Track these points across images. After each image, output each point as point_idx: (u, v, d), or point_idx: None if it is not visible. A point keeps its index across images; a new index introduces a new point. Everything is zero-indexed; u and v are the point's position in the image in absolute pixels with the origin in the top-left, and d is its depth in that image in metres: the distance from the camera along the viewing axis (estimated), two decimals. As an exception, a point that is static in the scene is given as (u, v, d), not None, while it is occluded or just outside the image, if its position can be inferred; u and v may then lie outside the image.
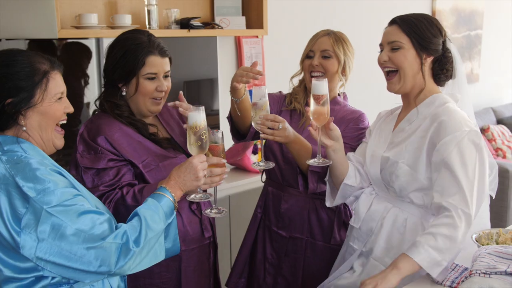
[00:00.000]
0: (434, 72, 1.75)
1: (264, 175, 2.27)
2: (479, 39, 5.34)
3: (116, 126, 1.73)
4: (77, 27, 2.49)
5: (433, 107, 1.71)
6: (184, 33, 2.84)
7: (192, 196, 1.60)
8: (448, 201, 1.56)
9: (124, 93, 1.77)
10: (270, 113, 1.79)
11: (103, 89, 1.84)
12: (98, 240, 1.30)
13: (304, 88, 2.13)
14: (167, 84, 1.78)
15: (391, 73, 1.75)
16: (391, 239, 1.73)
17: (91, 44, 2.65)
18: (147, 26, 2.73)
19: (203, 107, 1.55)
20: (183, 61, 3.03)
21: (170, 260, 1.74)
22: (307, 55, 2.08)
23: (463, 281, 1.55)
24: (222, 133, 1.62)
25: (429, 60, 1.73)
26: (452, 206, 1.54)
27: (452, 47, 1.75)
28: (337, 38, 2.05)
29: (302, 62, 2.11)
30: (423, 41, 1.71)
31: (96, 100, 1.83)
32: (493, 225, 1.89)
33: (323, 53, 2.03)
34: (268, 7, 3.18)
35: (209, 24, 2.98)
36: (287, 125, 1.81)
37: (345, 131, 1.99)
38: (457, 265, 1.67)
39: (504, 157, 4.84)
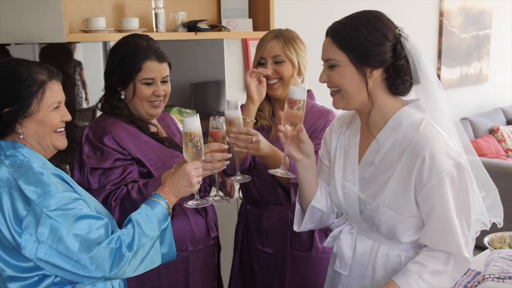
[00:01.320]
0: (388, 84, 1.45)
1: (241, 193, 2.18)
2: (488, 39, 5.31)
3: (121, 127, 1.75)
4: (85, 31, 2.50)
5: (401, 131, 1.44)
6: (191, 35, 2.85)
7: (190, 202, 1.62)
8: (440, 249, 1.41)
9: (122, 97, 1.79)
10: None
11: (103, 92, 1.85)
12: (94, 245, 1.33)
13: (267, 99, 1.98)
14: (165, 88, 1.80)
15: (335, 91, 1.50)
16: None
17: (99, 48, 2.65)
18: (155, 29, 2.73)
19: (198, 114, 1.55)
20: (190, 64, 3.03)
21: (179, 261, 1.77)
22: (259, 62, 1.95)
23: (475, 285, 1.53)
24: (223, 119, 1.63)
25: (376, 73, 1.43)
26: (447, 252, 1.40)
27: (411, 47, 1.43)
28: (286, 40, 1.92)
29: None
30: (361, 55, 1.40)
31: (97, 103, 1.86)
32: (505, 228, 1.86)
33: (275, 58, 1.91)
34: (275, 9, 3.16)
35: (216, 26, 2.98)
36: (261, 138, 1.73)
37: (316, 136, 1.93)
38: (469, 269, 1.65)
39: (514, 157, 4.80)
